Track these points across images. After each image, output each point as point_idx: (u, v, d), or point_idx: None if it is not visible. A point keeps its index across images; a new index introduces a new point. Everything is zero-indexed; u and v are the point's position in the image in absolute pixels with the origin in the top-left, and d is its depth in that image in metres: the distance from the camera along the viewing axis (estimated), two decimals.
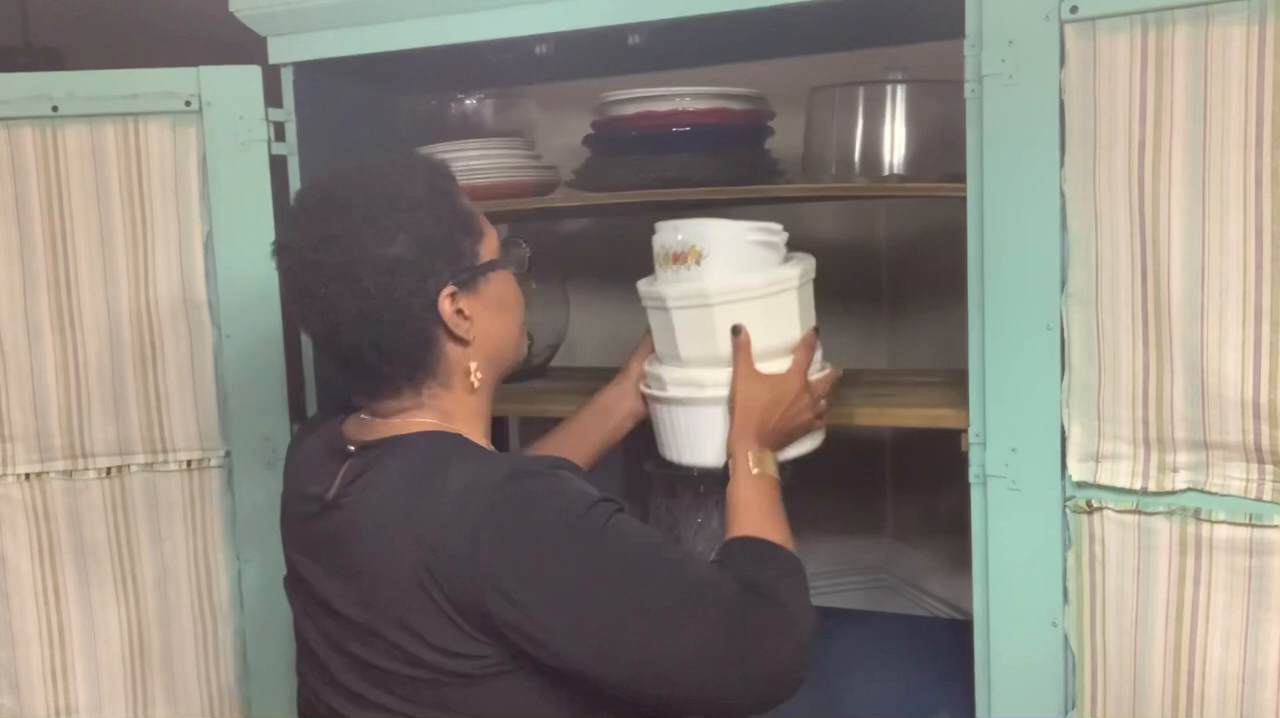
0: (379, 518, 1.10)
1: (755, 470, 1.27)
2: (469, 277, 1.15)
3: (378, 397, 1.18)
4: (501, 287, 1.19)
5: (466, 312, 1.14)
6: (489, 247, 1.19)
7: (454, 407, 1.18)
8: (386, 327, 1.11)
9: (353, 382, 1.19)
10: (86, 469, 1.63)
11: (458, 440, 1.14)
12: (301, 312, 1.15)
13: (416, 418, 1.16)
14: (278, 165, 1.64)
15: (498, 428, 2.19)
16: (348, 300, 1.10)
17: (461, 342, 1.15)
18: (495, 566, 1.03)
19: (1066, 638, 1.31)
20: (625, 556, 1.06)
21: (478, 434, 1.19)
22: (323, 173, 1.20)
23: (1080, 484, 1.29)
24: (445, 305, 1.13)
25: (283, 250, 1.15)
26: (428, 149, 1.73)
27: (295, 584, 1.22)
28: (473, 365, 1.17)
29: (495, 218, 2.08)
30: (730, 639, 1.06)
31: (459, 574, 1.04)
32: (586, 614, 1.03)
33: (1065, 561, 1.30)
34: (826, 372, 1.38)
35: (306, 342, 1.69)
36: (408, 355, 1.14)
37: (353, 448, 1.16)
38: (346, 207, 1.12)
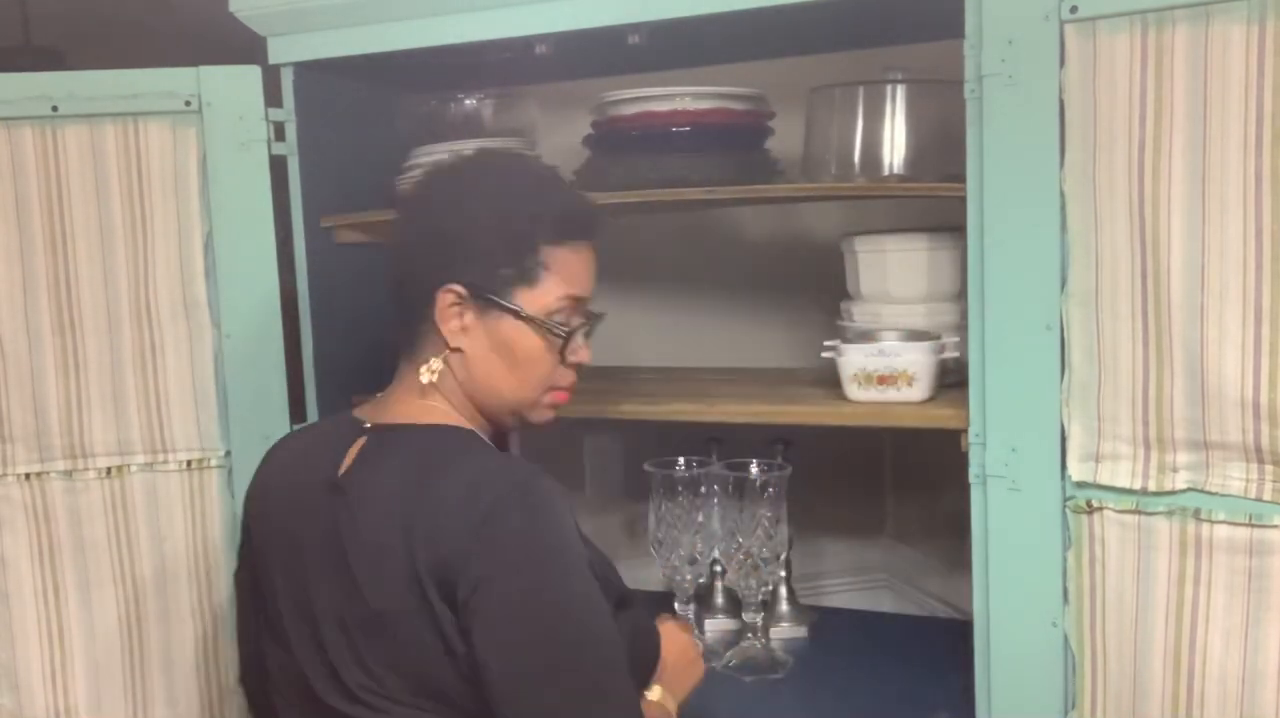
0: (378, 508, 1.11)
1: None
2: (485, 299, 1.17)
3: (399, 351, 1.23)
4: (517, 336, 1.18)
5: (466, 323, 1.18)
6: (535, 300, 1.18)
7: (454, 399, 1.21)
8: (403, 277, 1.21)
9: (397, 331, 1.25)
10: (86, 469, 1.63)
11: (468, 436, 1.17)
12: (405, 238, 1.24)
13: (432, 402, 1.20)
14: (278, 165, 1.64)
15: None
16: (399, 237, 1.23)
17: (445, 341, 1.19)
18: (484, 561, 1.05)
19: (1066, 638, 1.31)
20: (586, 605, 1.08)
21: (485, 434, 1.21)
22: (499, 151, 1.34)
23: (1080, 484, 1.29)
24: (442, 299, 1.17)
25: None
26: (428, 149, 1.73)
27: (280, 597, 1.19)
28: (434, 362, 1.19)
29: None
30: None
31: (450, 566, 1.05)
32: (535, 640, 1.06)
33: (1065, 561, 1.30)
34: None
35: (307, 341, 1.69)
36: (407, 315, 1.20)
37: (369, 425, 1.19)
38: (460, 165, 1.27)
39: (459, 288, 1.16)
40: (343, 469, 1.16)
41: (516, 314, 1.17)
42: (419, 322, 1.19)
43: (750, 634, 1.69)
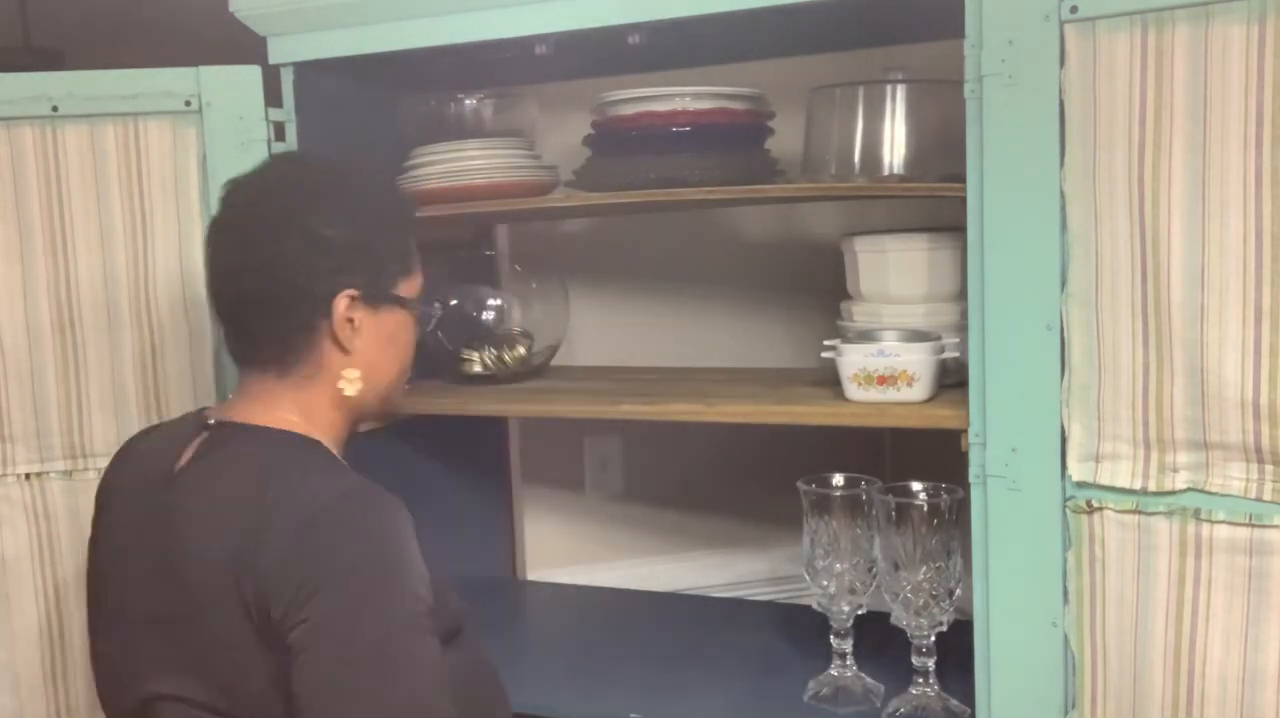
0: (208, 507, 1.11)
1: None
2: (376, 295, 1.20)
3: (251, 363, 1.21)
4: (400, 326, 1.24)
5: (357, 323, 1.19)
6: (409, 287, 1.25)
7: (315, 409, 1.20)
8: (281, 288, 1.15)
9: (231, 340, 1.23)
10: (86, 469, 1.63)
11: (314, 447, 1.17)
12: (223, 244, 1.19)
13: (280, 412, 1.18)
14: None
15: (499, 427, 2.19)
16: (265, 248, 1.15)
17: (341, 348, 1.19)
18: (301, 574, 1.02)
19: (1066, 638, 1.31)
20: (408, 625, 1.03)
21: (335, 448, 1.21)
22: (309, 146, 1.28)
23: (1080, 484, 1.29)
24: (340, 305, 1.17)
25: (234, 188, 1.22)
26: (428, 149, 1.73)
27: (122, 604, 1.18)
28: (347, 373, 1.20)
29: (495, 218, 2.08)
30: None
31: (268, 578, 1.03)
32: (347, 658, 1.00)
33: (1065, 561, 1.30)
34: None
35: None
36: (285, 329, 1.17)
37: (213, 421, 1.19)
38: (310, 171, 1.23)
39: (354, 291, 1.18)
40: (180, 464, 1.16)
41: (403, 304, 1.23)
42: (297, 331, 1.17)
43: (920, 681, 1.50)
